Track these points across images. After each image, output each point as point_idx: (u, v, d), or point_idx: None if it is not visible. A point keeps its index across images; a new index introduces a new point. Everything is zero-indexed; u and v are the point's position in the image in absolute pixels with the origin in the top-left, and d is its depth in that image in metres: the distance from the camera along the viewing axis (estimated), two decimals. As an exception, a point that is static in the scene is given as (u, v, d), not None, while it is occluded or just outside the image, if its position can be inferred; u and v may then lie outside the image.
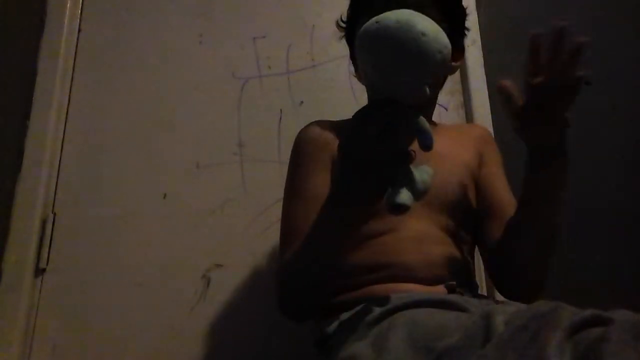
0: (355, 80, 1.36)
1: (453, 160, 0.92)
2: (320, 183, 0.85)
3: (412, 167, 0.63)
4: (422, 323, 0.62)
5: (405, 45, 0.57)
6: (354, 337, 0.69)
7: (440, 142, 0.94)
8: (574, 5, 1.55)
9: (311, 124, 0.97)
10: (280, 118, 1.35)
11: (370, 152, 0.61)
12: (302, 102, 1.37)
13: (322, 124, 0.96)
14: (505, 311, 0.53)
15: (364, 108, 0.65)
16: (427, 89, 0.61)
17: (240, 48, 1.41)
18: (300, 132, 0.97)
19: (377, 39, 0.59)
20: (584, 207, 1.32)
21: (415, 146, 0.63)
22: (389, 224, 0.83)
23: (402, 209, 0.60)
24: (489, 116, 1.39)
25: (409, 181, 0.62)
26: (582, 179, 1.35)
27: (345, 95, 1.37)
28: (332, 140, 0.90)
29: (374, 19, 0.60)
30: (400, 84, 0.61)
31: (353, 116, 0.65)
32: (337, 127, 0.94)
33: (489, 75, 1.43)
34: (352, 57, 1.00)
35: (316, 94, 1.37)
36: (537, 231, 0.78)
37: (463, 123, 1.38)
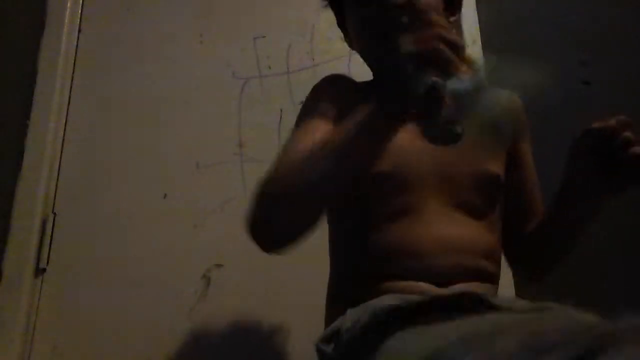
0: (355, 79, 1.36)
1: (483, 128, 0.85)
2: (327, 128, 0.81)
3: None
4: (433, 335, 0.59)
5: None
6: (355, 344, 0.68)
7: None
8: (575, 5, 1.55)
9: (336, 75, 0.95)
10: (280, 118, 1.35)
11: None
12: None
13: (346, 78, 0.94)
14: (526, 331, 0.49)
15: None
16: None
17: (240, 48, 1.41)
18: (324, 78, 0.94)
19: None
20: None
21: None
22: (406, 202, 0.78)
23: (456, 138, 0.57)
24: (489, 116, 1.39)
25: (450, 96, 0.56)
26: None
27: (345, 95, 1.37)
28: (351, 96, 0.87)
29: None
30: None
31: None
32: (358, 86, 0.93)
33: (489, 75, 1.43)
34: (339, 22, 0.97)
35: (316, 94, 1.37)
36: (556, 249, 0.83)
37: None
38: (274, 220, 0.75)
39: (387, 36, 0.83)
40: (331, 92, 0.90)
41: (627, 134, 0.66)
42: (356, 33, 0.92)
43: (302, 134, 0.82)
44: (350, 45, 0.98)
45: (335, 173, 0.71)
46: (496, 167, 0.85)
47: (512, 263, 0.91)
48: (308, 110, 0.89)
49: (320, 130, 0.79)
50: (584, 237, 0.80)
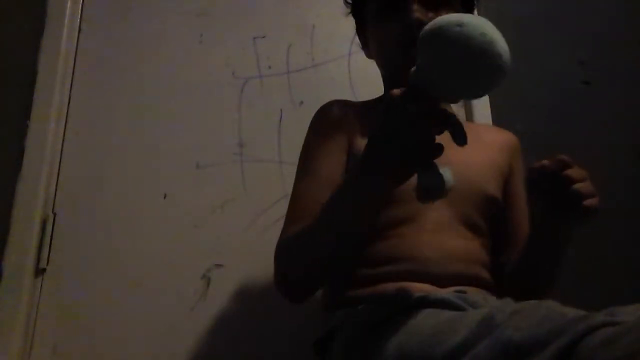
0: (355, 79, 1.36)
1: (484, 155, 0.91)
2: (334, 163, 0.84)
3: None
4: (416, 331, 0.62)
5: (488, 62, 0.59)
6: (350, 343, 0.69)
7: (470, 136, 0.94)
8: (574, 5, 1.55)
9: (331, 102, 0.95)
10: (280, 118, 1.35)
11: (404, 138, 0.61)
12: (302, 102, 1.37)
13: (342, 103, 0.94)
14: (510, 325, 0.52)
15: (396, 96, 0.62)
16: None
17: (240, 48, 1.41)
18: (319, 110, 0.95)
19: (461, 46, 0.59)
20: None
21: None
22: (407, 212, 0.80)
23: (438, 194, 0.64)
24: (489, 116, 1.39)
25: (437, 173, 0.64)
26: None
27: (345, 95, 1.36)
28: (351, 121, 0.89)
29: (455, 20, 0.59)
30: (465, 89, 0.63)
31: (384, 101, 0.64)
32: (357, 107, 0.94)
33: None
34: (359, 31, 0.99)
35: (316, 94, 1.37)
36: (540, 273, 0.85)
37: (489, 125, 1.35)
38: (293, 280, 0.81)
39: (409, 51, 0.83)
40: (331, 122, 0.91)
41: (568, 172, 0.69)
42: (377, 44, 0.92)
43: (307, 184, 0.85)
44: (368, 55, 0.98)
45: (346, 239, 0.74)
46: (495, 190, 0.89)
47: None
48: (310, 149, 0.91)
49: (325, 175, 0.82)
50: (565, 259, 0.82)
